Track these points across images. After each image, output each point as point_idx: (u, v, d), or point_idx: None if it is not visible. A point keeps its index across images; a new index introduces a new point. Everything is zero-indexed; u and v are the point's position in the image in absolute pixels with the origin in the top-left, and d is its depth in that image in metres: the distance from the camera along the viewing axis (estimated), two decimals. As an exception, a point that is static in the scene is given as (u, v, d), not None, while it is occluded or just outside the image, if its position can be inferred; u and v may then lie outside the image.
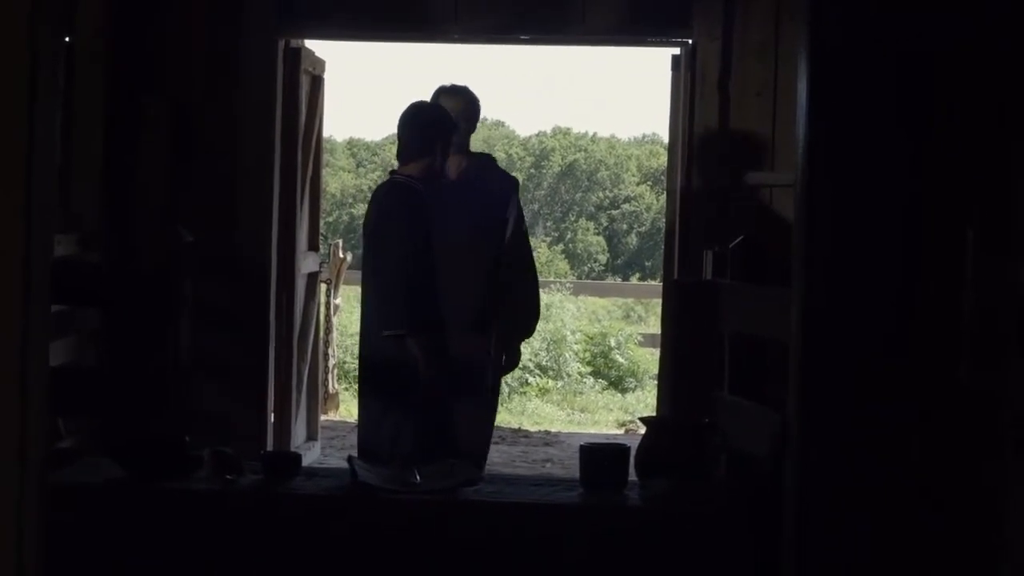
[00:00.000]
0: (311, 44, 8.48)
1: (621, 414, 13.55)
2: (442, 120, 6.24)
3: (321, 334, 9.78)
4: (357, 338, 6.76)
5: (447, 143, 6.24)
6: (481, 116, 6.84)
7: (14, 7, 2.77)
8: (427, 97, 6.62)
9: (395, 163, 6.48)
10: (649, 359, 15.33)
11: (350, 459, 5.26)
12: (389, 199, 6.13)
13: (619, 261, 40.12)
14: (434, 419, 6.08)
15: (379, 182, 6.54)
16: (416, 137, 6.20)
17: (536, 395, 14.48)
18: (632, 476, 5.19)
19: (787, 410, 4.48)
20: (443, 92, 6.71)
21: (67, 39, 7.12)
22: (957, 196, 4.17)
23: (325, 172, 9.48)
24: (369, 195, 7.17)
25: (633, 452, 5.23)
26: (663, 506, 4.98)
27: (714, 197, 7.46)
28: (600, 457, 5.20)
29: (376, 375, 6.15)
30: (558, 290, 17.65)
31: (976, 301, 4.13)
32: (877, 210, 4.20)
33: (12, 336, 2.79)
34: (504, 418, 12.96)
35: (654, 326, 17.84)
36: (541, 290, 17.79)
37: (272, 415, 8.08)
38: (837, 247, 4.24)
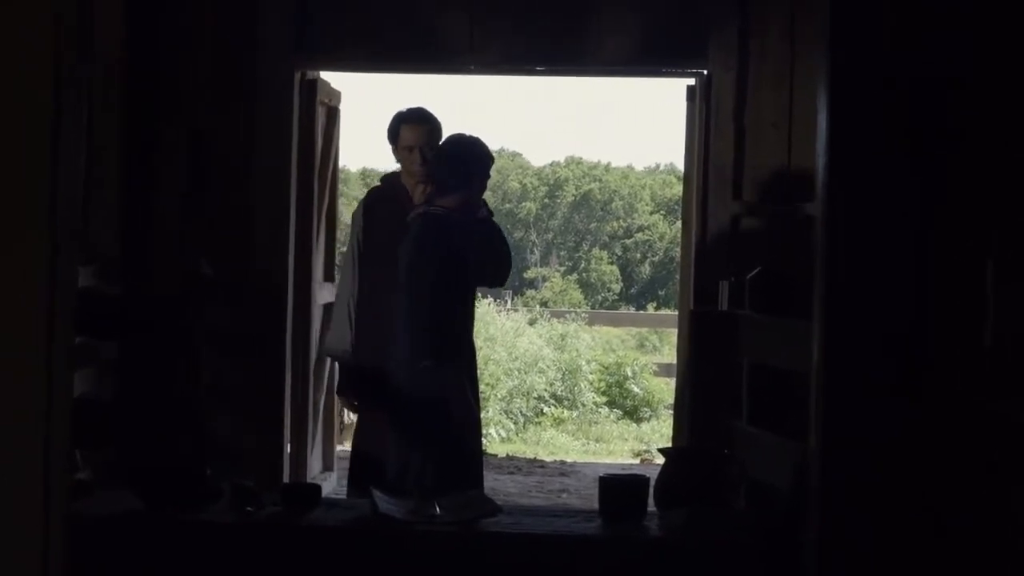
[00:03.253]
0: (326, 75, 8.50)
1: (636, 444, 13.54)
2: (480, 155, 6.25)
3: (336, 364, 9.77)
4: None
5: (484, 177, 6.25)
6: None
7: (39, 42, 2.79)
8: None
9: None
10: (664, 389, 15.32)
11: (371, 491, 5.25)
12: (425, 231, 6.13)
13: (633, 290, 40.15)
14: (464, 449, 6.08)
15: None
16: (453, 171, 6.21)
17: (551, 425, 14.47)
18: (651, 507, 5.19)
19: (808, 441, 4.47)
20: (403, 120, 6.70)
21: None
22: (978, 224, 4.17)
23: (340, 202, 9.49)
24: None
25: (652, 483, 5.23)
26: (683, 537, 4.97)
27: (729, 227, 7.45)
28: (619, 488, 5.20)
29: (406, 405, 6.14)
30: (573, 320, 17.67)
31: (997, 329, 4.12)
32: (898, 239, 4.20)
33: (37, 369, 2.80)
34: (519, 448, 12.94)
35: (669, 355, 17.84)
36: (556, 319, 17.84)
37: (288, 445, 8.07)
38: (858, 277, 4.23)
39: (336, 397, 7.87)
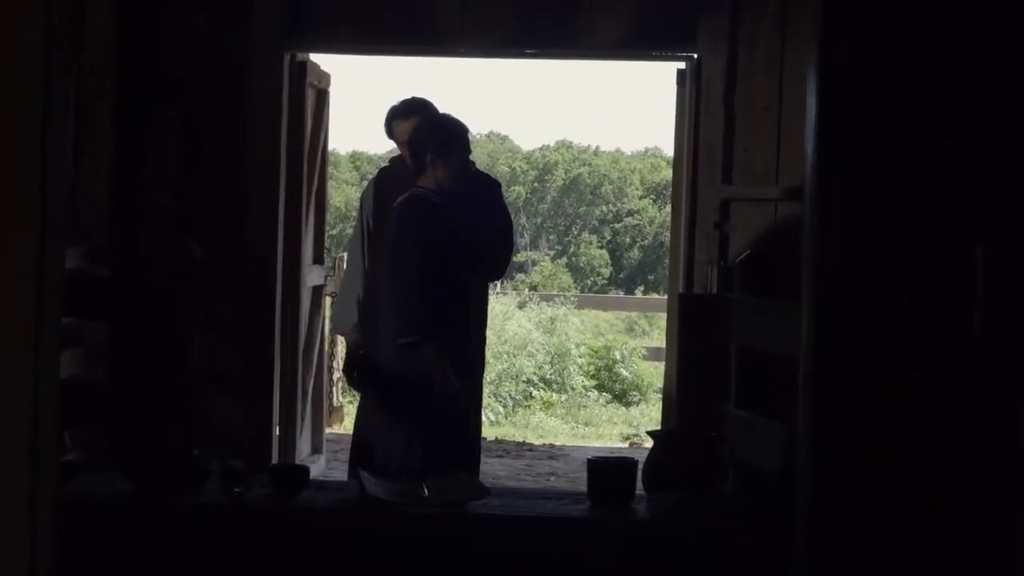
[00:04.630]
0: (316, 57, 8.49)
1: (625, 427, 13.55)
2: (454, 132, 6.26)
3: (326, 347, 9.79)
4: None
5: (462, 153, 6.24)
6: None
7: (28, 23, 2.78)
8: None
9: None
10: (653, 372, 15.34)
11: (359, 472, 5.26)
12: (405, 212, 6.18)
13: (622, 274, 40.16)
14: (450, 430, 6.10)
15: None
16: (415, 152, 6.27)
17: (540, 408, 14.48)
18: (639, 490, 5.20)
19: (797, 424, 4.48)
20: (395, 116, 6.70)
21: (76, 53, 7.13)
22: (969, 209, 4.17)
23: (329, 185, 9.48)
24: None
25: (640, 466, 5.24)
26: (671, 520, 4.99)
27: (719, 211, 7.45)
28: (608, 471, 5.21)
29: (390, 385, 6.18)
30: (562, 303, 17.67)
31: (987, 314, 4.12)
32: (887, 224, 4.20)
33: (25, 349, 2.80)
34: (508, 431, 12.95)
35: (658, 339, 17.87)
36: (545, 303, 17.86)
37: (277, 428, 8.08)
38: (847, 261, 4.24)
39: (331, 379, 7.86)
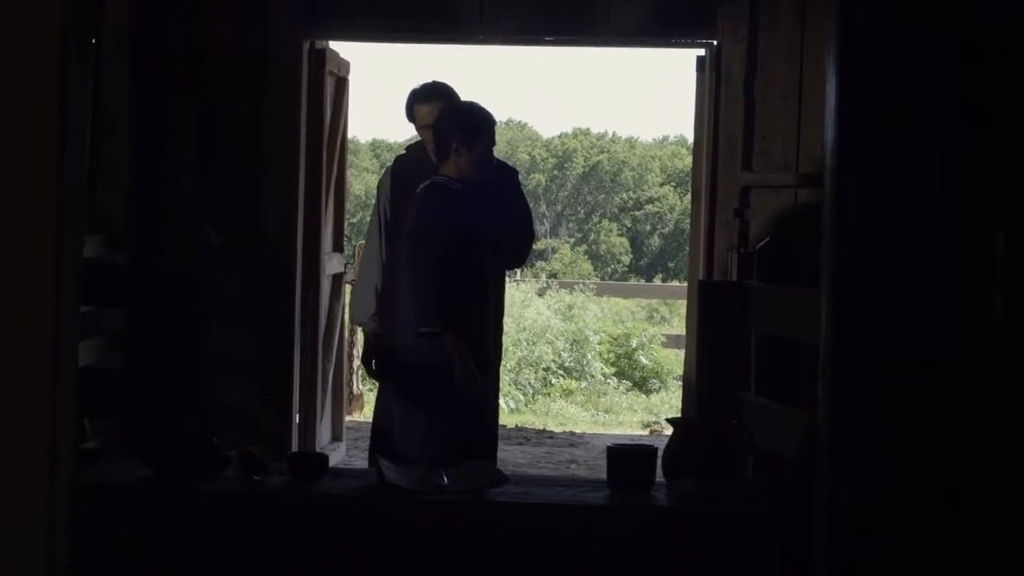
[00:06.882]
0: (335, 45, 8.49)
1: (645, 415, 13.55)
2: (479, 119, 6.22)
3: (346, 335, 9.79)
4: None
5: (487, 142, 6.20)
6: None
7: (44, 11, 2.78)
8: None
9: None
10: (673, 360, 15.35)
11: (377, 460, 5.26)
12: (427, 200, 6.14)
13: (642, 262, 40.14)
14: (470, 418, 6.09)
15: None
16: (439, 138, 6.23)
17: (560, 396, 14.49)
18: (659, 477, 5.19)
19: (817, 411, 4.47)
20: (417, 99, 6.66)
21: (94, 39, 7.14)
22: (988, 196, 4.15)
23: (349, 173, 9.49)
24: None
25: (660, 453, 5.23)
26: (690, 507, 4.98)
27: (739, 198, 7.43)
28: (627, 458, 5.19)
29: (409, 373, 6.17)
30: (581, 291, 17.69)
31: (1005, 301, 4.11)
32: (907, 211, 4.19)
33: (43, 337, 2.80)
34: (528, 419, 12.96)
35: (678, 327, 17.86)
36: (565, 291, 17.87)
37: (297, 415, 8.09)
38: (866, 248, 4.22)
39: (351, 367, 7.88)
